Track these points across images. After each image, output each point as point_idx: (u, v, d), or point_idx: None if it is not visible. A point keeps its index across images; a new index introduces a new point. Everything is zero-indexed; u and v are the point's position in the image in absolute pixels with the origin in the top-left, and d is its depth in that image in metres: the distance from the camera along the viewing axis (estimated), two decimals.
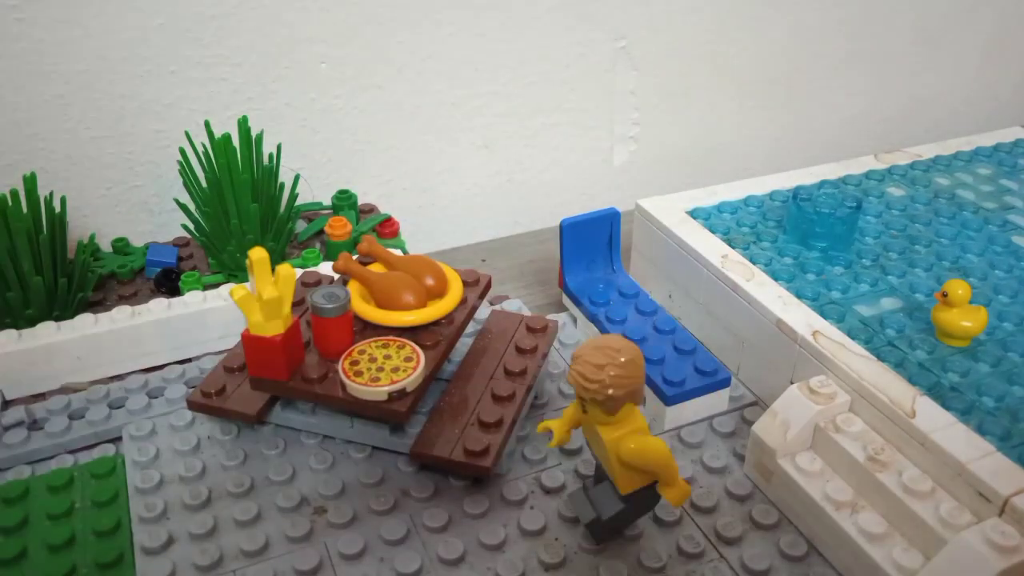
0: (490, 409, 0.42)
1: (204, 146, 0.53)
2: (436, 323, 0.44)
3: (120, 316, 0.49)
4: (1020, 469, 0.36)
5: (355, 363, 0.41)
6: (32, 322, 0.50)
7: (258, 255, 0.39)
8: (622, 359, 0.34)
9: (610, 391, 0.33)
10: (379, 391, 0.39)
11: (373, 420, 0.43)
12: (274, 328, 0.40)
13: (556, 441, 0.39)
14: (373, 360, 0.41)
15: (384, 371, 0.40)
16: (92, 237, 0.58)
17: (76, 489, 0.42)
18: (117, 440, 0.45)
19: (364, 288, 0.45)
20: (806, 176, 0.61)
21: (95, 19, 0.56)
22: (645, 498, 0.37)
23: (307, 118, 0.64)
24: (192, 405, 0.43)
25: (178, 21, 0.58)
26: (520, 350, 0.46)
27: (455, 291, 0.45)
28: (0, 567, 0.38)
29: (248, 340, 0.40)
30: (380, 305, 0.44)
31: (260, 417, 0.43)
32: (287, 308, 0.40)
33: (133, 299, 0.55)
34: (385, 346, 0.42)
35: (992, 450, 0.37)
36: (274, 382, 0.41)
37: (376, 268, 0.46)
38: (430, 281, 0.45)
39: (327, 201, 0.64)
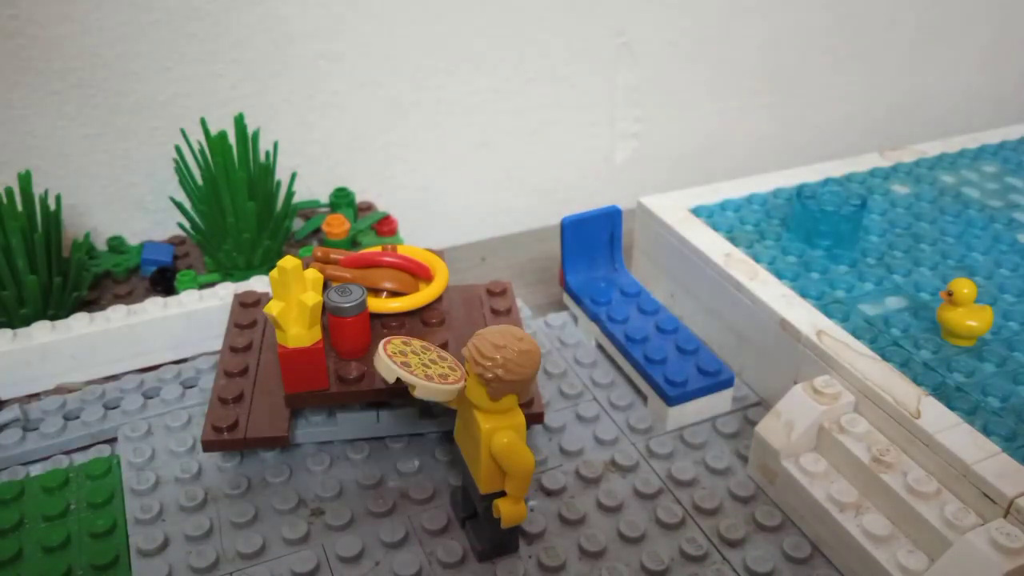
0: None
1: (200, 144, 0.53)
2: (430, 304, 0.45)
3: (115, 315, 0.49)
4: None
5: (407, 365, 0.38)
6: (27, 321, 0.50)
7: (292, 263, 0.37)
8: (522, 347, 0.34)
9: (500, 371, 0.33)
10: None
11: (404, 406, 0.43)
12: (313, 336, 0.39)
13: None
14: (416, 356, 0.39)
15: (435, 364, 0.38)
16: (87, 236, 0.58)
17: (71, 490, 0.42)
18: (113, 441, 0.45)
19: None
20: (810, 173, 0.61)
21: (90, 15, 0.55)
22: None
23: (304, 115, 0.64)
24: (210, 445, 0.41)
25: (174, 17, 0.57)
26: (496, 312, 0.47)
27: (441, 275, 0.46)
28: None
29: (288, 356, 0.39)
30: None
31: (290, 438, 0.42)
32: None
33: (128, 298, 0.55)
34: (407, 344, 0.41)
35: (997, 451, 0.37)
36: (314, 393, 0.40)
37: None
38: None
39: (324, 199, 0.64)
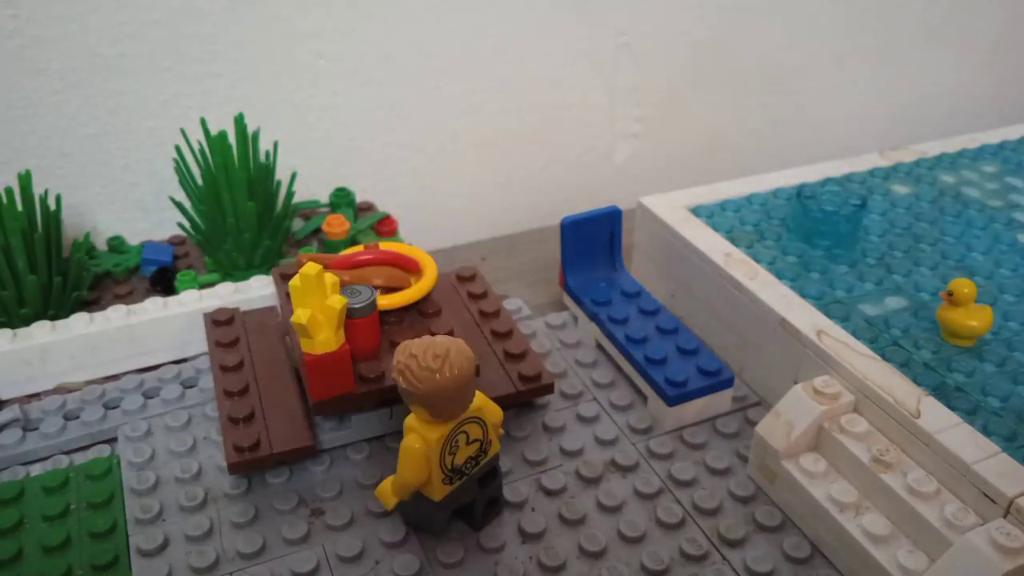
0: (512, 342, 0.45)
1: (200, 143, 0.53)
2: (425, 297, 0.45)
3: (115, 315, 0.49)
4: None
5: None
6: (27, 321, 0.50)
7: (314, 270, 0.37)
8: (430, 364, 0.34)
9: (399, 377, 0.34)
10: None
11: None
12: (339, 339, 0.39)
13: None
14: None
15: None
16: (87, 235, 0.58)
17: (71, 490, 0.41)
18: (113, 441, 0.45)
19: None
20: (810, 173, 0.61)
21: (90, 15, 0.55)
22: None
23: (305, 115, 0.64)
24: (236, 467, 0.40)
25: (174, 17, 0.57)
26: (473, 296, 0.48)
27: (430, 268, 0.46)
28: None
29: (316, 362, 0.39)
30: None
31: (317, 447, 0.42)
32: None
33: (128, 298, 0.55)
34: None
35: (997, 451, 0.37)
36: (341, 397, 0.40)
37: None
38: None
39: (325, 199, 0.64)
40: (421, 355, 0.34)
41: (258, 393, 0.43)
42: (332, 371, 0.39)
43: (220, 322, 0.48)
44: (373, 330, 0.42)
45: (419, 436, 0.35)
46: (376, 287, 0.45)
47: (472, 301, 0.48)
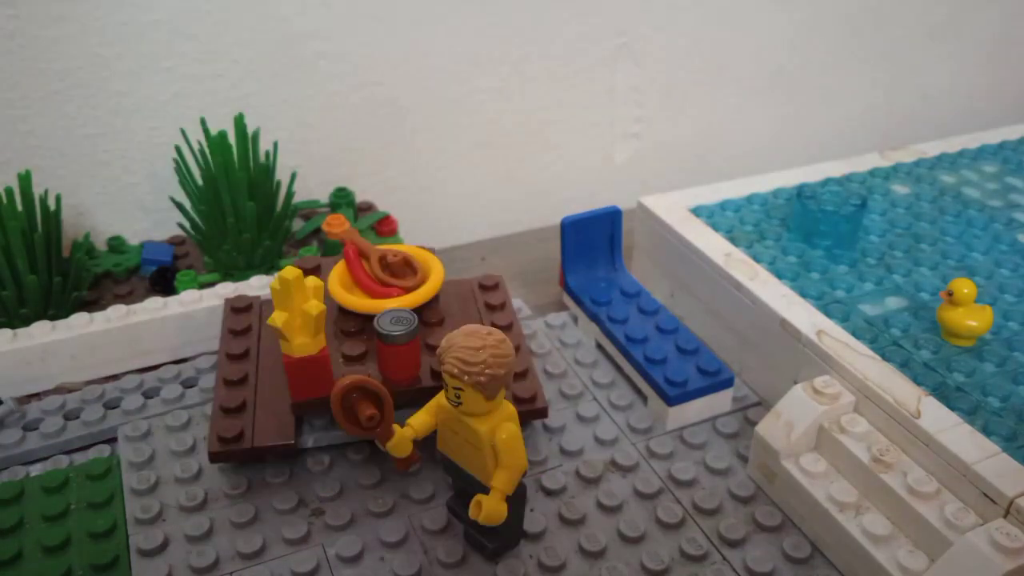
0: (517, 360, 0.44)
1: (200, 144, 0.53)
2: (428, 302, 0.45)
3: (115, 315, 0.49)
4: None
5: None
6: (27, 321, 0.50)
7: (293, 273, 0.37)
8: (496, 339, 0.34)
9: (490, 371, 0.33)
10: None
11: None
12: (318, 344, 0.39)
13: (397, 439, 0.36)
14: None
15: None
16: (87, 235, 0.58)
17: (71, 490, 0.41)
18: (112, 441, 0.45)
19: (345, 273, 0.45)
20: (810, 173, 0.61)
21: (90, 15, 0.55)
22: (518, 497, 0.37)
23: (304, 115, 0.64)
24: (217, 456, 0.40)
25: (174, 17, 0.57)
26: (490, 306, 0.47)
27: (436, 273, 0.46)
28: None
29: (294, 364, 0.39)
30: (381, 282, 0.45)
31: (299, 445, 0.42)
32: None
33: (128, 298, 0.55)
34: None
35: (997, 451, 0.37)
36: (320, 400, 0.40)
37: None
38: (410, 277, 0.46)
39: (325, 199, 0.64)
40: (484, 344, 0.33)
41: (255, 384, 0.43)
42: (310, 374, 0.40)
43: (238, 309, 0.47)
44: (413, 357, 0.41)
45: (504, 422, 0.35)
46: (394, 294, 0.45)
47: (487, 311, 0.47)
